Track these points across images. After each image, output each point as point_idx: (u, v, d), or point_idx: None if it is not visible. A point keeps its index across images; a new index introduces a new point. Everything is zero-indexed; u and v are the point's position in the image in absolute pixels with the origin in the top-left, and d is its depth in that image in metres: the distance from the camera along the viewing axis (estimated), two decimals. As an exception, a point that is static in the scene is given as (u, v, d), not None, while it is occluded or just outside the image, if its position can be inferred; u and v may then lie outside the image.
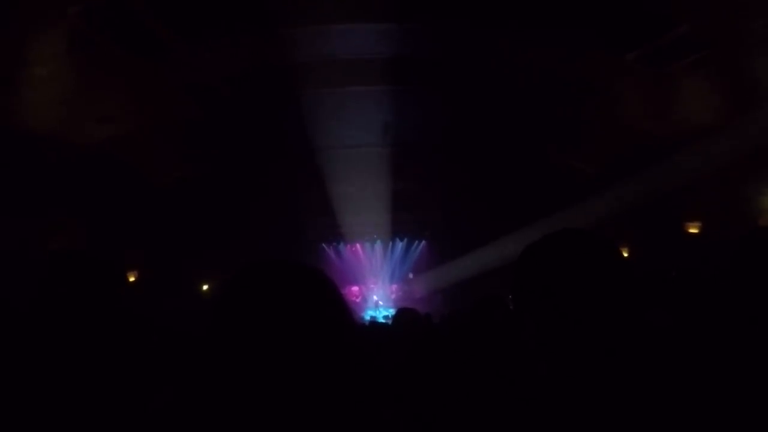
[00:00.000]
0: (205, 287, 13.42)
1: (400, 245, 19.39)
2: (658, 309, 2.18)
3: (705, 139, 7.69)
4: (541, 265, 1.09)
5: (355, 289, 19.29)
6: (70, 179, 8.19)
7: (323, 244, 18.84)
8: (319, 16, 6.80)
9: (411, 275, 19.36)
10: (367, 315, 16.91)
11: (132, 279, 9.85)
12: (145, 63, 7.25)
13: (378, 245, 19.36)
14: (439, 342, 2.53)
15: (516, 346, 1.99)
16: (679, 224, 9.47)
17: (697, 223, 9.29)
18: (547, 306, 1.04)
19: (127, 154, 9.48)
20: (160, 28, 6.56)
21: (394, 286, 19.59)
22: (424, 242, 19.19)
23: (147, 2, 6.03)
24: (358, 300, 18.93)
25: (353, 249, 19.41)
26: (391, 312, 16.74)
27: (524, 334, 1.08)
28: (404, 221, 16.62)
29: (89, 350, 1.40)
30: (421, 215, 16.65)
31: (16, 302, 1.47)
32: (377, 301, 18.68)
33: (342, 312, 0.92)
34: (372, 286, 19.47)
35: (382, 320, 14.17)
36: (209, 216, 12.27)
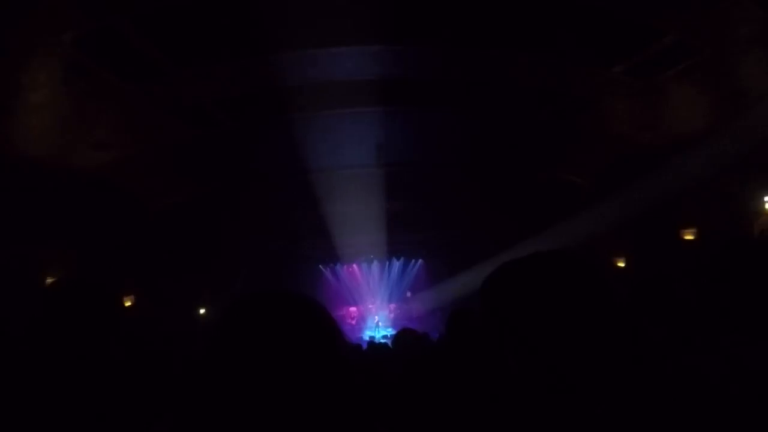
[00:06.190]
0: (202, 310, 13.32)
1: (397, 264, 19.36)
2: (657, 323, 2.17)
3: (697, 146, 7.76)
4: (511, 294, 1.07)
5: (353, 309, 19.19)
6: (66, 204, 8.18)
7: (320, 266, 18.80)
8: (310, 40, 6.89)
9: (409, 294, 19.30)
10: (366, 335, 16.81)
11: (128, 303, 9.78)
12: (139, 88, 7.31)
13: (375, 265, 19.31)
14: (433, 359, 2.52)
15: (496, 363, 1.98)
16: (675, 231, 9.49)
17: (693, 229, 9.31)
18: (521, 337, 1.02)
19: (122, 179, 9.49)
20: (152, 54, 6.62)
21: (393, 306, 19.50)
22: (420, 261, 19.17)
23: (139, 28, 6.09)
24: (354, 322, 18.80)
25: (350, 269, 19.35)
26: (390, 331, 16.66)
27: (503, 364, 1.06)
28: (400, 240, 16.60)
29: (90, 375, 1.39)
30: (417, 234, 16.65)
31: (12, 326, 1.46)
32: (377, 321, 18.58)
33: (332, 338, 0.98)
34: (370, 306, 19.38)
35: (381, 340, 14.08)
36: (206, 239, 12.23)
